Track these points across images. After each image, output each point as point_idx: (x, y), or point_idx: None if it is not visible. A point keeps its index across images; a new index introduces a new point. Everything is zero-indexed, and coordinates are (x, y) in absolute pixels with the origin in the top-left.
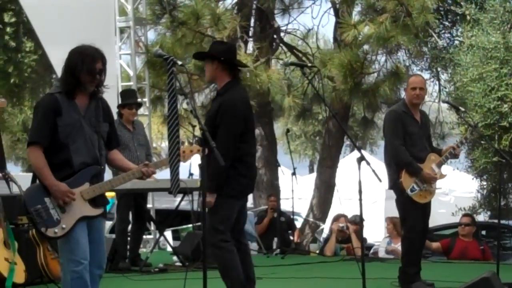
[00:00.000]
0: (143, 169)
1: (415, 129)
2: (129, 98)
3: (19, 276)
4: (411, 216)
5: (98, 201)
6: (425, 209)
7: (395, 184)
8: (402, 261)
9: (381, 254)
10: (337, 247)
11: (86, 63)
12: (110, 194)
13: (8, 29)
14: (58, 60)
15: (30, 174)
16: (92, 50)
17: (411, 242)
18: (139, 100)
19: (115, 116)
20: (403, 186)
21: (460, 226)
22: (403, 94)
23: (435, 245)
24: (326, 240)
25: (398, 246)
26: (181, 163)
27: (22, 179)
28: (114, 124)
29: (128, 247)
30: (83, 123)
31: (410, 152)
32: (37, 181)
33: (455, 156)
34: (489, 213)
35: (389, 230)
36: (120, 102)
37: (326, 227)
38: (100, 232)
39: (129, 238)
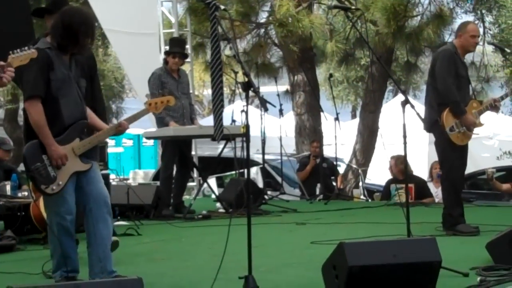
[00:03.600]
0: (120, 122)
1: (464, 72)
2: (174, 46)
3: None
4: (450, 157)
5: (88, 155)
6: (463, 152)
7: (434, 125)
8: (445, 204)
9: None
10: (393, 187)
11: (90, 28)
12: None
13: None
14: (100, 8)
15: None
16: (91, 15)
17: (452, 183)
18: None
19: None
20: (444, 123)
21: None
22: (447, 38)
23: (506, 186)
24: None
25: (439, 190)
26: (224, 110)
27: None
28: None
29: (172, 194)
30: (72, 78)
31: None
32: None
33: (495, 109)
34: None
35: (434, 174)
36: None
37: (369, 172)
38: (94, 172)
39: (173, 186)
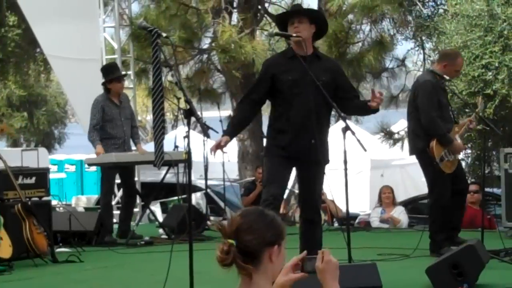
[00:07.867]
0: None
1: (445, 99)
2: (115, 71)
3: (5, 251)
4: (440, 185)
5: None
6: (450, 179)
7: (422, 152)
8: (430, 229)
9: (375, 224)
10: None
11: None
12: None
13: None
14: (42, 34)
15: (16, 149)
16: None
17: (438, 210)
18: (123, 72)
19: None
20: (433, 154)
21: (469, 193)
22: (388, 63)
23: None
24: None
25: (393, 213)
26: (166, 136)
27: (6, 154)
28: None
29: (120, 219)
30: None
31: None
32: None
33: (471, 129)
34: (473, 181)
35: (387, 199)
36: (103, 77)
37: None
38: None
39: (119, 211)
